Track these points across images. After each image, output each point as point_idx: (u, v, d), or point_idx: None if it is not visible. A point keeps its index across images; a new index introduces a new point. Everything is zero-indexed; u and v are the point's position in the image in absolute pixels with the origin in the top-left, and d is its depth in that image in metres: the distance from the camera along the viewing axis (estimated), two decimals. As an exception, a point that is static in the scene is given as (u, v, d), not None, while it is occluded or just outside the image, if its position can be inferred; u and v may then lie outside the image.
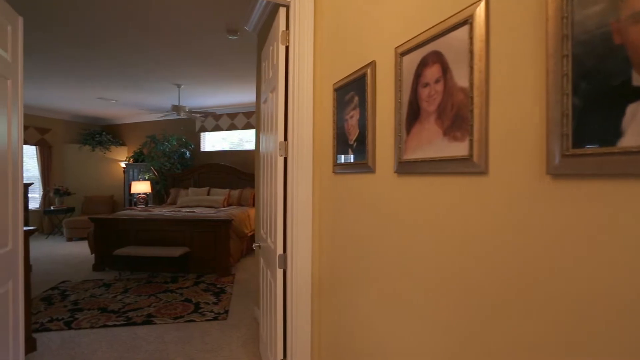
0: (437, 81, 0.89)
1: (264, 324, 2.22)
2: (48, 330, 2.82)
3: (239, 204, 6.23)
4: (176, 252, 4.20)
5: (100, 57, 4.20)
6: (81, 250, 5.86)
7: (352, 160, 1.33)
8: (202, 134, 7.45)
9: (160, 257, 4.35)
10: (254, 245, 2.37)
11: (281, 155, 1.69)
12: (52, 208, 7.04)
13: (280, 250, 1.70)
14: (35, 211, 7.21)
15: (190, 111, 5.51)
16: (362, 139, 1.25)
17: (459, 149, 0.82)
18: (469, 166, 0.79)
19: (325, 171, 1.57)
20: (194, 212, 5.13)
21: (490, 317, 0.75)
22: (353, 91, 1.32)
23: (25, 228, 2.09)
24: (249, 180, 6.56)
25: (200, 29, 3.38)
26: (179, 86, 5.34)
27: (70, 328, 2.86)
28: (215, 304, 3.38)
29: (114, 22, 3.25)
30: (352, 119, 1.32)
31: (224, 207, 5.95)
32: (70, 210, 7.17)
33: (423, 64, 0.94)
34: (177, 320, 3.00)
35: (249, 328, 2.84)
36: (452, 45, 0.84)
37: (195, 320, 2.99)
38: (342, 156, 1.40)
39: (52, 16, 3.13)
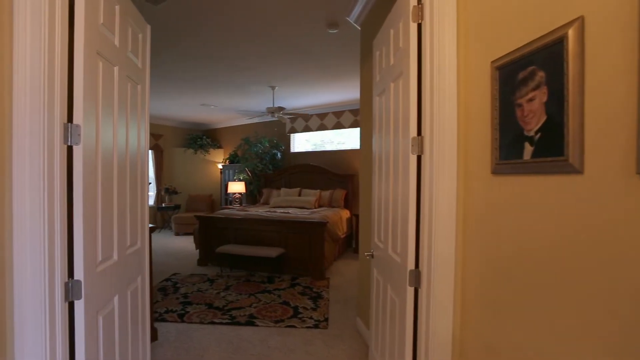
0: None
1: (377, 344, 1.98)
2: (165, 321, 3.01)
3: (330, 205, 6.14)
4: (273, 252, 4.24)
5: (204, 61, 4.47)
6: (186, 244, 6.41)
7: (529, 157, 1.00)
8: (291, 135, 7.60)
9: (258, 257, 4.44)
10: (365, 253, 2.14)
11: (413, 153, 1.43)
12: (163, 205, 7.91)
13: (411, 266, 1.44)
14: (151, 208, 8.19)
15: (284, 113, 5.60)
16: (554, 128, 0.92)
17: None
18: None
19: (476, 171, 1.25)
20: (288, 212, 5.17)
21: None
22: (534, 65, 0.98)
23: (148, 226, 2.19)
24: (340, 182, 6.43)
25: (300, 23, 3.30)
26: (273, 88, 5.46)
27: (182, 321, 3.01)
28: (314, 309, 3.27)
29: (216, 21, 3.37)
30: (533, 102, 0.99)
31: (315, 208, 5.91)
32: (177, 207, 7.97)
33: None
34: (278, 324, 2.95)
35: (354, 341, 2.64)
36: None
37: (295, 326, 2.90)
38: (510, 151, 1.08)
39: (162, 24, 3.36)
